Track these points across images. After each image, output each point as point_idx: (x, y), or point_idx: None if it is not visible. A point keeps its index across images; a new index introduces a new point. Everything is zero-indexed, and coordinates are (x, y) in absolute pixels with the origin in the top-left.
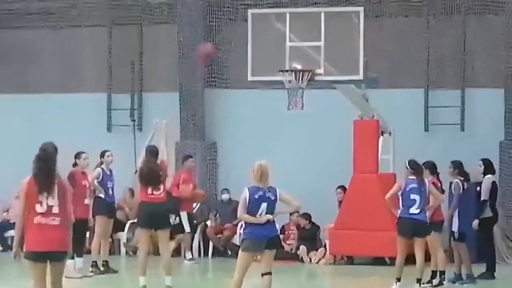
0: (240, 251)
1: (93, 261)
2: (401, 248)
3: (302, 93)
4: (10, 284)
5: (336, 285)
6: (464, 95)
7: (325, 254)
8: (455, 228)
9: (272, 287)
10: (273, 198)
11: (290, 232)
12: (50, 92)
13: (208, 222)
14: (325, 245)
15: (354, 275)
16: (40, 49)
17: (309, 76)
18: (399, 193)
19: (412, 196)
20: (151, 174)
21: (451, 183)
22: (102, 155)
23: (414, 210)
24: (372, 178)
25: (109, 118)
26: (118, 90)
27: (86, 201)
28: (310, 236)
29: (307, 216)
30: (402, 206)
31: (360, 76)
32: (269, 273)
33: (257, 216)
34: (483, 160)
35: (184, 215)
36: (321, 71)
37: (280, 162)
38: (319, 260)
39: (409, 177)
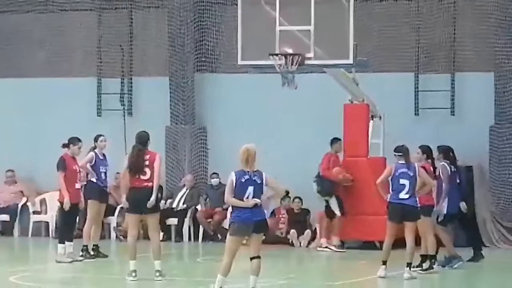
0: (228, 235)
1: (83, 245)
2: (390, 232)
3: (293, 76)
4: None
5: (326, 269)
6: (454, 79)
7: (314, 238)
8: (443, 210)
9: (263, 271)
10: (259, 181)
11: (280, 216)
12: (40, 76)
13: (198, 207)
14: (315, 229)
15: (344, 259)
16: (29, 33)
17: (299, 60)
18: (389, 178)
19: (402, 181)
20: (136, 162)
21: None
22: (96, 139)
23: (403, 195)
24: (362, 162)
25: (99, 103)
26: (108, 74)
27: (77, 185)
28: (300, 220)
29: (299, 200)
30: (392, 190)
31: (350, 60)
32: (258, 257)
33: (244, 199)
34: None
35: (334, 199)
36: (311, 55)
37: (270, 146)
38: (309, 243)
39: (399, 162)
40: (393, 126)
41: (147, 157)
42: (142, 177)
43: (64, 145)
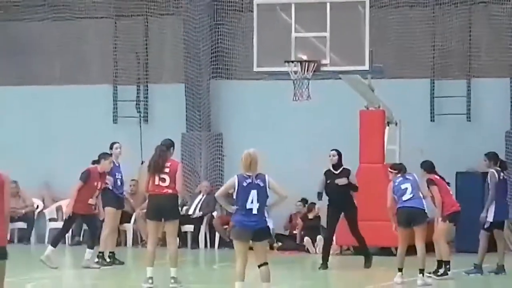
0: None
1: (99, 252)
2: (401, 239)
3: (308, 83)
4: None
5: (342, 275)
6: (470, 85)
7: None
8: (490, 218)
9: (279, 278)
10: (262, 184)
11: (296, 222)
12: (56, 84)
13: (215, 213)
14: None
15: (361, 266)
16: (45, 41)
17: (315, 66)
18: (392, 191)
19: (403, 186)
20: (157, 162)
21: (486, 173)
22: (111, 147)
23: (407, 196)
24: (378, 168)
25: (115, 110)
26: (124, 81)
27: (91, 201)
28: (314, 226)
29: (313, 206)
30: (397, 198)
31: (366, 67)
32: (265, 264)
33: (247, 204)
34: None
35: None
36: (326, 61)
37: (286, 152)
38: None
39: (396, 176)
40: (409, 132)
41: (169, 164)
42: (161, 183)
43: (94, 162)
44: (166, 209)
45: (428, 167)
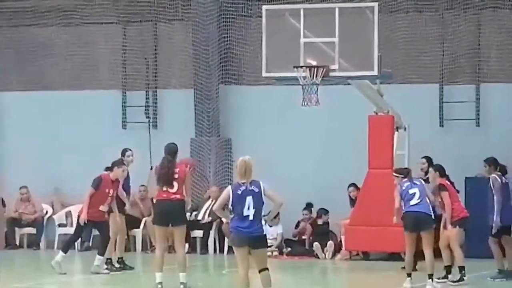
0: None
1: (107, 259)
2: (409, 244)
3: (317, 89)
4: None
5: (351, 280)
6: (479, 90)
7: (340, 249)
8: (497, 222)
9: (288, 283)
10: (257, 190)
11: (304, 228)
12: (65, 89)
13: (224, 219)
14: (340, 241)
15: (370, 271)
16: (54, 46)
17: (324, 72)
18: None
19: (411, 191)
20: (165, 174)
21: (489, 179)
22: (123, 154)
23: (414, 201)
24: (387, 173)
25: (124, 115)
26: (132, 87)
27: (102, 207)
28: (324, 232)
29: (324, 212)
30: (404, 202)
31: (375, 72)
32: (265, 269)
33: (244, 211)
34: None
35: None
36: (335, 67)
37: (295, 157)
38: (334, 255)
39: (403, 180)
40: (418, 137)
41: (177, 170)
42: (169, 189)
43: (108, 168)
44: (173, 215)
45: (440, 170)
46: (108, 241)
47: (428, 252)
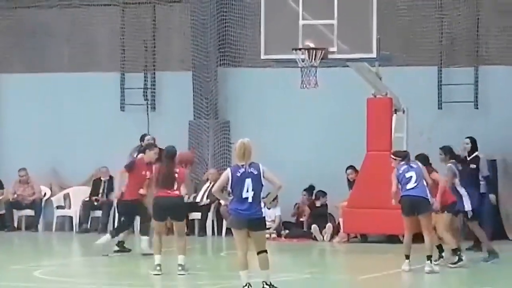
0: None
1: (119, 241)
2: (407, 227)
3: (315, 71)
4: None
5: (349, 263)
6: (477, 73)
7: (338, 232)
8: (468, 207)
9: (286, 266)
10: (256, 172)
11: (302, 210)
12: (64, 71)
13: (222, 201)
14: (338, 223)
15: (368, 253)
16: (53, 28)
17: (322, 54)
18: (395, 178)
19: (408, 175)
20: (166, 177)
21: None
22: (142, 138)
23: (411, 185)
24: (385, 156)
25: (123, 98)
26: (131, 69)
27: (141, 190)
28: (322, 214)
29: (322, 194)
30: (401, 186)
31: (373, 54)
32: (263, 251)
33: (243, 193)
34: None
35: None
36: (334, 49)
37: (293, 140)
38: (332, 237)
39: (400, 163)
40: (417, 120)
41: (177, 171)
42: (169, 188)
43: (140, 151)
44: (173, 211)
45: (422, 160)
46: (150, 221)
47: (426, 234)
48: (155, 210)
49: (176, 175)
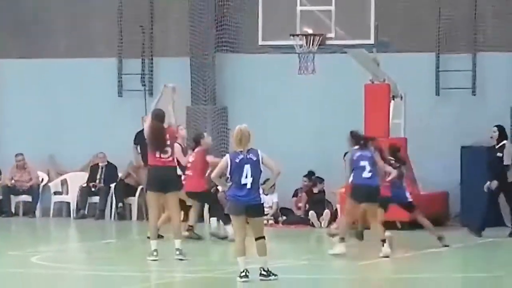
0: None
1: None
2: (352, 212)
3: (313, 57)
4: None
5: (347, 249)
6: (475, 59)
7: (335, 218)
8: (410, 198)
9: (284, 252)
10: (255, 158)
11: (300, 196)
12: (61, 57)
13: (220, 187)
14: (336, 209)
15: (365, 239)
16: (51, 14)
17: (320, 40)
18: (349, 162)
19: (362, 163)
20: (157, 138)
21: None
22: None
23: (366, 174)
24: (383, 142)
25: (120, 83)
26: (129, 55)
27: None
28: (319, 200)
29: (320, 180)
30: (354, 172)
31: (371, 40)
32: (261, 238)
33: (242, 179)
34: (497, 126)
35: None
36: (332, 35)
37: (291, 126)
38: (329, 224)
39: (354, 147)
40: (414, 106)
41: (167, 136)
42: (162, 156)
43: (197, 143)
44: (167, 181)
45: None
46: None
47: (373, 222)
48: (150, 180)
49: (168, 141)
